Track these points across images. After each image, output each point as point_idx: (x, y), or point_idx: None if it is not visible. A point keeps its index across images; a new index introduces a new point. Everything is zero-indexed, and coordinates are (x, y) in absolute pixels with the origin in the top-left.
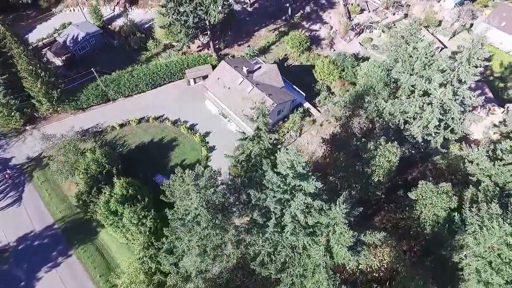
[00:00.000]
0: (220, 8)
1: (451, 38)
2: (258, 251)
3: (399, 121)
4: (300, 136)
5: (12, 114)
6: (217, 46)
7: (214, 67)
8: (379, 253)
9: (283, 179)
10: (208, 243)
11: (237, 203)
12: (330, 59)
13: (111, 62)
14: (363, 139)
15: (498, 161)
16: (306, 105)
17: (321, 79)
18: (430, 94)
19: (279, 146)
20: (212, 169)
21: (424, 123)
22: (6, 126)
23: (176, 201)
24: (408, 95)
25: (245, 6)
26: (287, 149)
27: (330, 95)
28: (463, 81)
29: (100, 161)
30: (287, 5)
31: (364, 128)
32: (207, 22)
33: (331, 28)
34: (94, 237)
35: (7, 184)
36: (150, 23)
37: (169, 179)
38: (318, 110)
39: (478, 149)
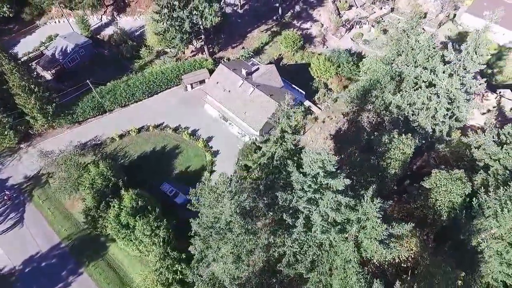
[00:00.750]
0: (214, 11)
1: (437, 29)
2: (283, 252)
3: (407, 113)
4: (304, 134)
5: (6, 132)
6: (211, 50)
7: (210, 71)
8: (406, 244)
9: (314, 178)
10: (241, 249)
11: (261, 206)
12: (326, 56)
13: (104, 73)
14: (375, 133)
15: (505, 145)
16: (307, 103)
17: (317, 77)
18: (435, 84)
19: (300, 147)
20: (237, 175)
21: (431, 113)
22: (0, 145)
23: (201, 210)
24: (413, 87)
25: (235, 8)
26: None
27: (328, 91)
28: (467, 70)
29: (106, 174)
30: (277, 5)
31: (373, 122)
32: (201, 26)
33: (322, 26)
34: (104, 253)
35: (6, 206)
36: (141, 30)
37: (175, 187)
38: (319, 107)
39: (484, 135)
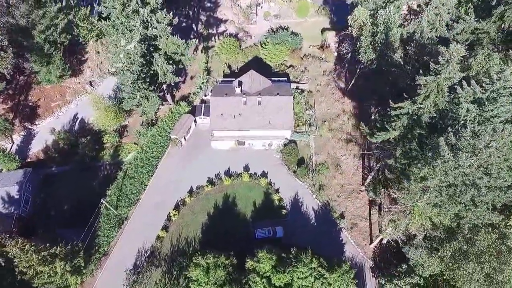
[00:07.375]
0: (189, 46)
1: None
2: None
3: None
4: (315, 109)
5: None
6: (168, 94)
7: (189, 113)
8: None
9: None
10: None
11: None
12: (270, 42)
13: (76, 189)
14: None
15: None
16: (293, 85)
17: (275, 62)
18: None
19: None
20: None
21: (436, 26)
22: None
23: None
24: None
25: None
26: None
27: (293, 68)
28: None
29: (219, 262)
30: (184, 24)
31: (406, 57)
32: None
33: (234, 22)
34: None
35: None
36: (77, 121)
37: (266, 226)
38: (303, 83)
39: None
